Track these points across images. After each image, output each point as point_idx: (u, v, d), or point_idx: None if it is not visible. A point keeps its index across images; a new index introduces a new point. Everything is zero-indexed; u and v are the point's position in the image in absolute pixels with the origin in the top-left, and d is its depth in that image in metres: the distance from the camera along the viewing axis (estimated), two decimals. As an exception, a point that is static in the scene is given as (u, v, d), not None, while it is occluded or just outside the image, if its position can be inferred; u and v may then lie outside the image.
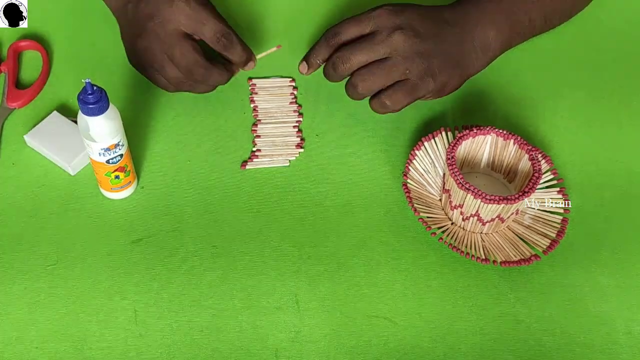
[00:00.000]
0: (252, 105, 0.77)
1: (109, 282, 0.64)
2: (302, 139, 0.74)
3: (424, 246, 0.67)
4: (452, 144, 0.67)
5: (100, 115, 0.61)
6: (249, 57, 0.71)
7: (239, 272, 0.65)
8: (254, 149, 0.73)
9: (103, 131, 0.62)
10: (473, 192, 0.64)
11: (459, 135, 0.68)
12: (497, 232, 0.68)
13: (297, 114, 0.76)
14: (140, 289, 0.64)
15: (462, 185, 0.64)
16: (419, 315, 0.63)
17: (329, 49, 0.70)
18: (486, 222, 0.66)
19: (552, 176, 0.71)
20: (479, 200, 0.63)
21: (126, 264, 0.65)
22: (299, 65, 0.72)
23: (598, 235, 0.68)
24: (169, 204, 0.69)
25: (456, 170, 0.65)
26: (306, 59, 0.71)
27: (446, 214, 0.69)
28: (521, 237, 0.67)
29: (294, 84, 0.79)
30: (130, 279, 0.65)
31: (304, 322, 0.63)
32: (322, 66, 0.71)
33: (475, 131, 0.69)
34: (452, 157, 0.66)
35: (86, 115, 0.61)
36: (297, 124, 0.75)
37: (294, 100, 0.77)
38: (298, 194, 0.71)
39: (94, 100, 0.60)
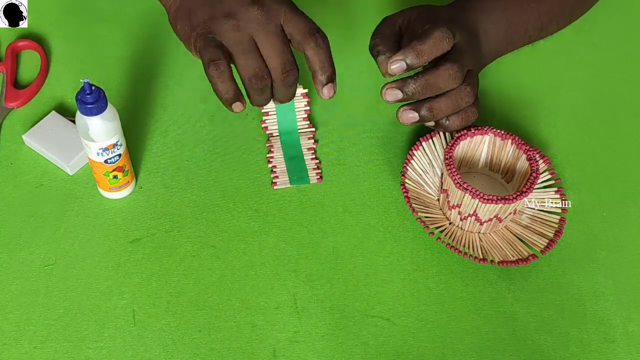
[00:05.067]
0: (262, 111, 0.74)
1: (107, 282, 0.64)
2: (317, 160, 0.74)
3: (422, 246, 0.67)
4: (450, 144, 0.67)
5: (99, 115, 0.61)
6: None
7: (237, 271, 0.65)
8: (271, 167, 0.72)
9: (101, 131, 0.62)
10: (471, 192, 0.64)
11: (457, 135, 0.68)
12: (494, 232, 0.68)
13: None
14: (139, 289, 0.64)
15: (460, 185, 0.64)
16: (417, 315, 0.63)
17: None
18: (484, 222, 0.66)
19: (549, 176, 0.71)
20: (477, 200, 0.63)
21: (124, 264, 0.66)
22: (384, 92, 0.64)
23: (596, 235, 0.69)
24: (167, 203, 0.70)
25: (454, 170, 0.65)
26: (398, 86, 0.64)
27: (444, 214, 0.69)
28: (519, 236, 0.67)
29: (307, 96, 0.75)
30: (129, 278, 0.65)
31: (302, 322, 0.63)
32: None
33: (473, 131, 0.69)
34: (450, 157, 0.66)
35: (84, 115, 0.61)
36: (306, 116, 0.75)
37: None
38: (296, 193, 0.71)
39: (92, 100, 0.60)
